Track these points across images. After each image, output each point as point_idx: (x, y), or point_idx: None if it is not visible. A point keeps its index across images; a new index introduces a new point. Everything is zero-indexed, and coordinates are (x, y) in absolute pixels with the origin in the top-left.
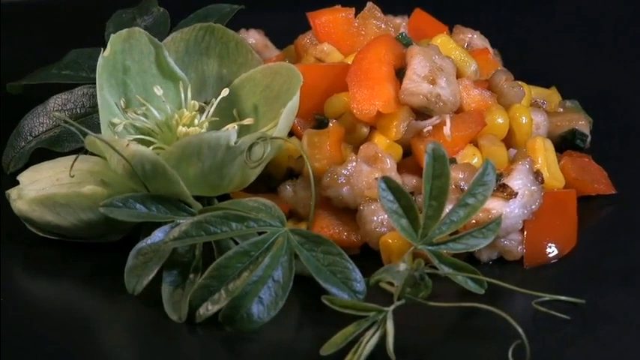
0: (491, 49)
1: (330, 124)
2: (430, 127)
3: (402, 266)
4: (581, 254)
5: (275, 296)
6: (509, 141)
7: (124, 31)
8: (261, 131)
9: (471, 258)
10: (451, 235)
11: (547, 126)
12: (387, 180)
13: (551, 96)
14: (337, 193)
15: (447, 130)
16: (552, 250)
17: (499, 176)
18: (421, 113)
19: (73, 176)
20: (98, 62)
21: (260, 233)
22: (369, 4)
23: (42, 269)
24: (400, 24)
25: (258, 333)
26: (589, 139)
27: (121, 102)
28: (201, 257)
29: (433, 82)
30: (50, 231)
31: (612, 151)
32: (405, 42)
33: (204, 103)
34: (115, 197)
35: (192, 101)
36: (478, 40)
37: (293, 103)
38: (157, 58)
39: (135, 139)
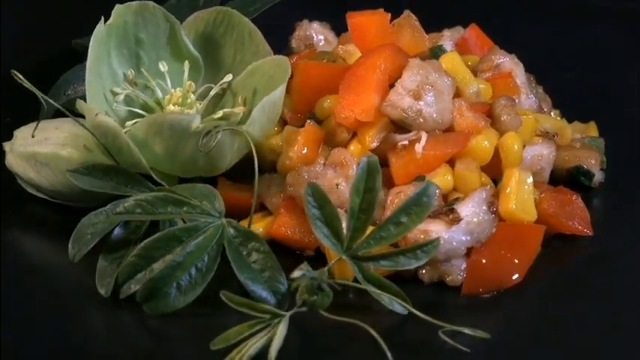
0: (521, 75)
1: (307, 124)
2: (406, 142)
3: (297, 273)
4: (523, 291)
5: (194, 284)
6: (498, 167)
7: (134, 3)
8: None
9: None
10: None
11: (552, 159)
12: (312, 186)
13: (563, 129)
14: (299, 192)
15: (418, 147)
16: (493, 282)
17: (454, 200)
18: (403, 127)
19: (33, 136)
20: (96, 29)
21: None
22: (406, 12)
23: (22, 223)
24: (441, 36)
25: (184, 315)
26: (596, 177)
27: (129, 73)
28: (142, 236)
29: (418, 97)
30: (34, 188)
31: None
32: (440, 54)
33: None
34: (82, 164)
35: (189, 82)
36: (508, 63)
37: (273, 97)
38: (173, 35)
39: (130, 112)
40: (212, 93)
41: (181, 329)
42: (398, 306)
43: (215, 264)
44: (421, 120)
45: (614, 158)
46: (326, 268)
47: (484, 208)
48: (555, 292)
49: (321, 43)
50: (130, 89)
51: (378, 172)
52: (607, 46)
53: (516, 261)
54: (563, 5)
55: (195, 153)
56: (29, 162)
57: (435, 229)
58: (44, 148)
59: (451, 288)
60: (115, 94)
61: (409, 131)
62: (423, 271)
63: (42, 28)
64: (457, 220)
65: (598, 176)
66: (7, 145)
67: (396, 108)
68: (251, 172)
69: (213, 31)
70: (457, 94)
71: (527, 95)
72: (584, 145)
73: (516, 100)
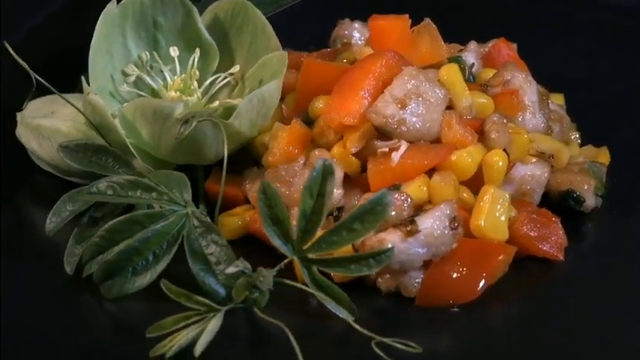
0: (531, 93)
1: (294, 122)
2: (386, 149)
3: (231, 269)
4: (478, 309)
5: (150, 269)
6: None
7: None
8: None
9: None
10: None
11: (543, 180)
12: (265, 185)
13: (560, 151)
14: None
15: (395, 155)
16: (447, 297)
17: (418, 212)
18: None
19: (23, 109)
20: (106, 9)
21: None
22: (426, 20)
23: (26, 194)
24: (466, 48)
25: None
26: (589, 203)
27: (144, 55)
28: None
29: (403, 105)
30: (40, 160)
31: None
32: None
33: (230, 75)
34: (74, 140)
35: (193, 69)
36: (518, 80)
37: (262, 91)
38: (190, 21)
39: (137, 95)
40: (222, 82)
41: (137, 312)
42: (345, 313)
43: (171, 252)
44: (403, 129)
45: (628, 185)
46: (275, 269)
47: (446, 223)
48: (510, 314)
49: (359, 42)
50: (138, 72)
51: (332, 176)
52: None
53: (474, 279)
54: (601, 24)
55: (183, 140)
56: (34, 134)
57: (391, 238)
58: (48, 122)
59: (408, 299)
60: (126, 74)
61: (392, 139)
62: (381, 280)
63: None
64: (414, 232)
65: (590, 202)
66: (19, 115)
67: (379, 115)
68: (244, 165)
69: (232, 21)
70: (451, 106)
71: (533, 115)
72: (583, 169)
73: (520, 119)
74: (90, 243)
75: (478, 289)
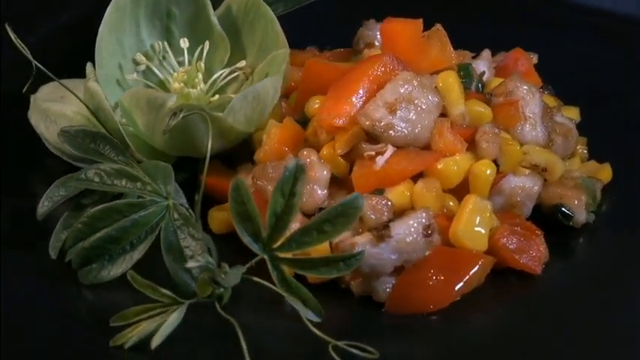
0: (533, 105)
1: (286, 120)
2: (372, 153)
3: (192, 263)
4: (445, 317)
5: (126, 258)
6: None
7: None
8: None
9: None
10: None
11: (534, 193)
12: (238, 182)
13: (554, 165)
14: (262, 187)
15: (380, 160)
16: (416, 304)
17: (394, 217)
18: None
19: (24, 93)
20: None
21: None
22: (437, 26)
23: (36, 176)
24: (479, 56)
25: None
26: (579, 218)
27: (157, 45)
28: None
29: (393, 110)
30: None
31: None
32: (462, 72)
33: (239, 69)
34: (74, 126)
35: (199, 62)
36: (523, 92)
37: (257, 87)
38: (203, 14)
39: (145, 85)
40: (229, 76)
41: (115, 300)
42: (311, 314)
43: (147, 242)
44: (391, 133)
45: (629, 203)
46: (245, 266)
47: (419, 230)
48: (481, 324)
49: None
50: (146, 61)
51: (304, 176)
52: None
53: (445, 287)
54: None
55: (176, 132)
56: (42, 117)
57: (363, 242)
58: (56, 106)
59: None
60: (136, 63)
61: (380, 143)
62: (353, 283)
63: None
64: (386, 237)
65: (580, 217)
66: (32, 98)
67: (368, 118)
68: (243, 160)
69: (244, 16)
70: (445, 113)
71: (533, 126)
72: (577, 184)
73: (519, 130)
74: (72, 229)
75: (449, 298)
